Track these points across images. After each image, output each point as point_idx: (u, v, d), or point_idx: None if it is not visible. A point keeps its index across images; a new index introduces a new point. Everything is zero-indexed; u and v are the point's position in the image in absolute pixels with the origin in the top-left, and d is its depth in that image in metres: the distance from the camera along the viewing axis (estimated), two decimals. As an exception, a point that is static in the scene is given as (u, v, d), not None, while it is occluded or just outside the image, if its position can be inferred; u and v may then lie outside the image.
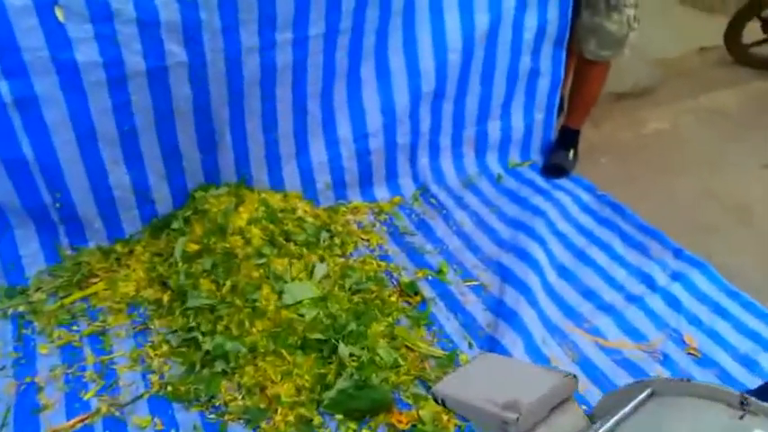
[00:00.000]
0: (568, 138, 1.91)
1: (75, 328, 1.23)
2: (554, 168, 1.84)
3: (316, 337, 1.19)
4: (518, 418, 0.53)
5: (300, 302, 1.24)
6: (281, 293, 1.26)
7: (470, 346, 1.26)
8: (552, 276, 1.46)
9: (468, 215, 1.65)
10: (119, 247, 1.40)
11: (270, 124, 1.49)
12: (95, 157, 1.29)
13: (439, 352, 1.24)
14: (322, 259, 1.38)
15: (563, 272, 1.48)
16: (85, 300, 1.29)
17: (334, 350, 1.18)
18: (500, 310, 1.34)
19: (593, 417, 0.58)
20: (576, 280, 1.46)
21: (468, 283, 1.42)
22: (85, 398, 1.10)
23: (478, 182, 1.79)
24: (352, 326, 1.22)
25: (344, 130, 1.59)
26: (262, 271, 1.30)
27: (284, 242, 1.40)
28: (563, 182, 1.81)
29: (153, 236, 1.43)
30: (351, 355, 1.17)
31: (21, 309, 1.26)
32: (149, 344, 1.21)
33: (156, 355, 1.19)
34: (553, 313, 1.35)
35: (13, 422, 1.04)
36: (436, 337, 1.28)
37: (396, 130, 1.63)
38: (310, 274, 1.33)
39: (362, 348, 1.20)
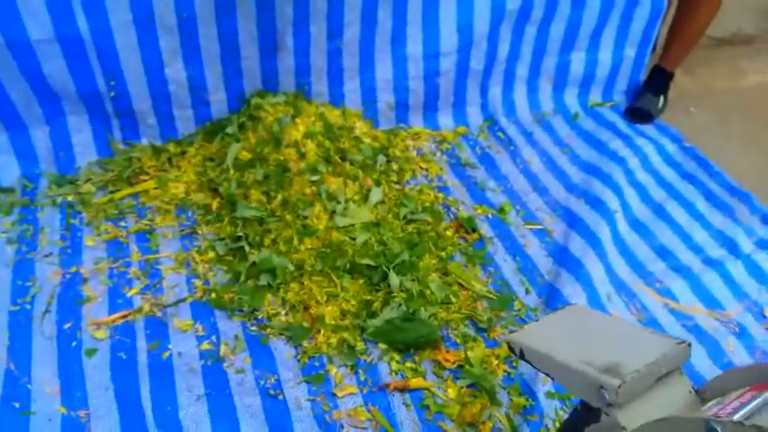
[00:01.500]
0: (660, 80, 1.72)
1: (122, 223, 1.21)
2: (639, 112, 1.67)
3: (365, 263, 1.12)
4: (620, 386, 0.45)
5: (353, 225, 1.18)
6: (333, 213, 1.19)
7: (527, 291, 1.18)
8: (624, 229, 1.33)
9: (537, 153, 1.52)
10: (171, 147, 1.35)
11: (335, 30, 1.37)
12: (153, 44, 1.21)
13: (493, 294, 1.16)
14: (378, 183, 1.29)
15: (637, 226, 1.36)
16: (134, 197, 1.26)
17: (383, 278, 1.11)
18: (563, 258, 1.24)
19: (702, 394, 0.49)
20: (651, 236, 1.34)
21: (531, 226, 1.32)
22: (128, 294, 1.08)
23: (552, 119, 1.64)
24: (405, 256, 1.14)
25: (415, 46, 1.46)
26: (315, 188, 1.23)
27: (340, 161, 1.32)
28: (647, 128, 1.64)
29: (206, 139, 1.37)
30: (400, 285, 1.11)
31: (69, 198, 1.24)
32: (195, 248, 1.17)
33: (201, 260, 1.15)
34: (621, 269, 1.25)
35: (56, 310, 1.03)
36: (491, 278, 1.19)
37: (470, 53, 1.49)
38: (365, 198, 1.26)
39: (413, 280, 1.13)
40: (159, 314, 1.06)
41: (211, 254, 1.17)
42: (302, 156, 1.29)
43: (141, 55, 1.21)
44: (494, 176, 1.44)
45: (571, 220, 1.33)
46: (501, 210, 1.34)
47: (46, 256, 1.12)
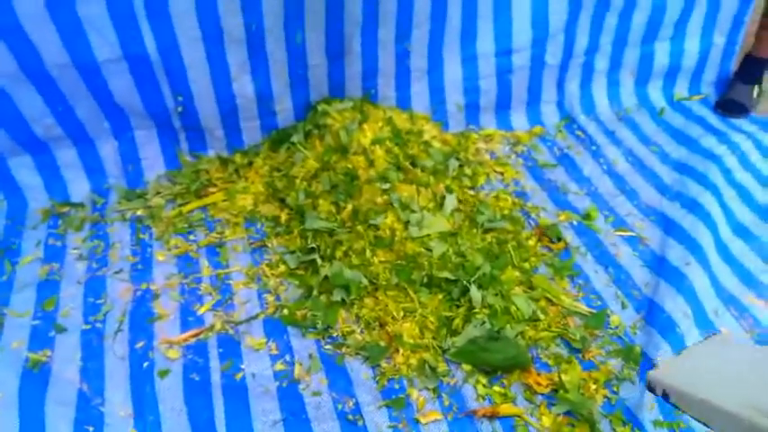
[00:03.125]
0: (753, 69, 1.56)
1: (192, 237, 1.18)
2: (732, 105, 1.52)
3: (444, 276, 1.04)
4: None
5: (428, 236, 1.10)
6: (407, 224, 1.12)
7: (623, 306, 1.07)
8: (727, 235, 1.20)
9: (622, 153, 1.40)
10: (237, 158, 1.32)
11: (403, 32, 1.30)
12: (220, 59, 1.18)
13: (585, 309, 1.06)
14: (450, 190, 1.21)
15: (741, 231, 1.22)
16: (203, 209, 1.23)
17: (464, 292, 1.03)
18: (662, 268, 1.12)
19: None
20: (757, 241, 1.20)
21: (622, 233, 1.21)
22: (200, 311, 1.04)
23: (636, 115, 1.52)
24: (486, 268, 1.06)
25: (486, 43, 1.37)
26: (386, 197, 1.16)
27: (410, 167, 1.25)
28: (742, 122, 1.49)
29: (272, 148, 1.33)
30: (483, 300, 1.02)
31: (139, 212, 1.22)
32: (266, 262, 1.13)
33: (272, 274, 1.11)
34: (728, 279, 1.12)
35: (128, 328, 1.01)
36: (582, 291, 1.09)
37: (546, 47, 1.39)
38: (439, 206, 1.18)
39: (496, 294, 1.04)
40: (231, 332, 1.01)
41: (282, 267, 1.12)
42: (371, 163, 1.23)
43: (210, 70, 1.18)
44: (576, 179, 1.33)
45: (666, 225, 1.21)
46: (587, 215, 1.24)
47: (117, 272, 1.10)
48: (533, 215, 1.24)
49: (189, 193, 1.25)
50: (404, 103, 1.41)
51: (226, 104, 1.27)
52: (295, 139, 1.30)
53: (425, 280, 1.05)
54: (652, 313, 1.05)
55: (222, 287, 1.09)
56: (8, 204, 1.21)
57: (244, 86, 1.26)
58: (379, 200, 1.16)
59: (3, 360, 0.94)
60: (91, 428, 0.87)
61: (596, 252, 1.16)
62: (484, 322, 1.00)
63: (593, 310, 1.05)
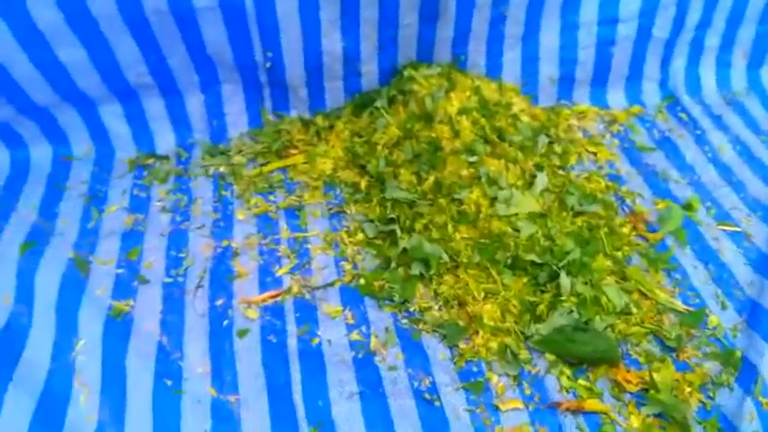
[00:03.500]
0: None
1: (272, 198, 1.17)
2: None
3: (530, 259, 0.99)
4: None
5: (516, 215, 1.05)
6: (493, 200, 1.07)
7: (723, 306, 0.99)
8: None
9: (729, 140, 1.29)
10: (319, 120, 1.29)
11: (503, -6, 1.23)
12: (314, 14, 1.14)
13: (681, 306, 0.98)
14: (541, 168, 1.15)
15: None
16: (283, 171, 1.22)
17: (551, 278, 0.98)
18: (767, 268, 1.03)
19: None
20: None
21: (725, 228, 1.11)
22: (278, 273, 1.04)
23: (746, 99, 1.39)
24: (575, 254, 1.00)
25: (589, 9, 1.27)
26: (472, 170, 1.11)
27: (498, 141, 1.18)
28: None
29: (354, 113, 1.30)
30: (572, 288, 0.97)
31: (221, 169, 1.22)
32: (344, 229, 1.11)
33: (350, 242, 1.09)
34: None
35: (209, 285, 1.02)
36: (678, 287, 1.02)
37: (655, 18, 1.28)
38: (528, 184, 1.12)
39: (585, 283, 0.98)
40: (308, 297, 1.00)
41: (360, 236, 1.10)
42: (456, 134, 1.18)
43: (301, 25, 1.15)
44: (677, 165, 1.24)
45: (777, 222, 1.11)
46: (688, 206, 1.14)
47: (199, 227, 1.11)
48: (628, 201, 1.16)
49: (270, 153, 1.24)
50: (494, 71, 1.34)
51: (312, 61, 1.23)
52: (378, 103, 1.25)
53: (510, 261, 1.00)
54: (755, 316, 0.96)
55: (300, 251, 1.08)
56: (96, 152, 1.24)
57: (332, 44, 1.22)
58: (465, 173, 1.11)
59: (88, 306, 0.96)
60: (170, 382, 0.89)
61: (696, 246, 1.08)
62: (572, 311, 0.94)
63: (691, 308, 0.98)
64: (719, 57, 1.40)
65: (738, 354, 0.91)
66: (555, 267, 0.97)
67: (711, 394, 0.88)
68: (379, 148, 1.20)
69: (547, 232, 1.03)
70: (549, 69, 1.34)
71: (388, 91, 1.27)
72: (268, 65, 1.20)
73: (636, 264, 1.05)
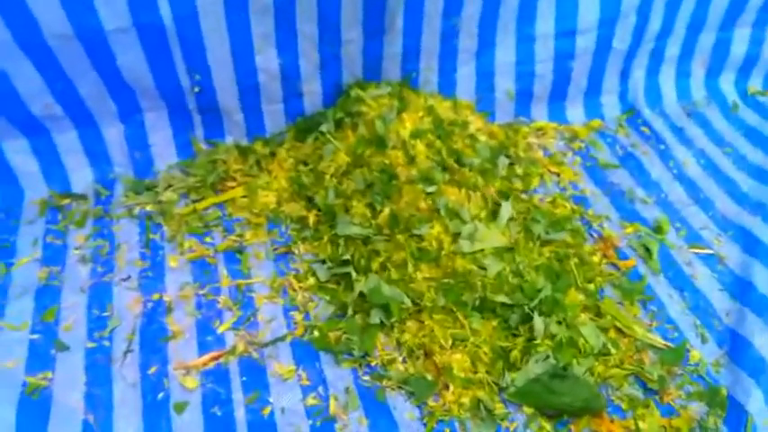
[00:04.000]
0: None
1: (208, 239, 1.03)
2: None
3: (500, 300, 0.91)
4: None
5: (482, 251, 0.96)
6: (456, 236, 0.97)
7: (703, 340, 0.93)
8: (818, 256, 1.06)
9: (693, 155, 1.24)
10: (259, 147, 1.17)
11: (453, 5, 1.13)
12: (243, 28, 1.01)
13: (660, 342, 0.92)
14: (506, 196, 1.06)
15: (833, 251, 1.07)
16: (220, 207, 1.09)
17: (523, 320, 0.90)
18: (746, 294, 0.97)
19: None
20: None
21: (697, 251, 1.06)
22: (219, 330, 0.91)
23: (707, 110, 1.35)
24: (547, 290, 0.92)
25: (546, 22, 1.20)
26: (430, 201, 1.02)
27: (456, 165, 1.09)
28: (826, 122, 1.33)
29: (297, 138, 1.18)
30: (545, 330, 0.89)
31: (148, 208, 1.08)
32: (293, 273, 0.99)
33: (300, 287, 0.97)
34: (824, 310, 0.98)
35: (139, 349, 0.88)
36: (656, 319, 0.95)
37: (615, 28, 1.22)
38: (491, 214, 1.03)
39: (559, 322, 0.90)
40: (256, 356, 0.88)
41: (311, 279, 0.98)
42: (411, 159, 1.08)
43: (230, 42, 1.02)
44: (642, 183, 1.18)
45: (747, 242, 1.06)
46: (658, 228, 1.09)
47: (124, 279, 0.97)
48: (596, 225, 1.09)
49: (204, 187, 1.11)
50: (447, 88, 1.25)
51: (246, 81, 1.11)
52: (324, 128, 1.14)
53: (478, 303, 0.91)
54: (736, 348, 0.91)
55: (244, 301, 0.95)
56: (2, 194, 1.07)
57: (268, 61, 1.09)
58: (423, 205, 1.01)
59: (-3, 383, 0.82)
60: (94, 471, 0.75)
61: (670, 273, 1.02)
62: (548, 356, 0.86)
63: (670, 344, 0.92)
64: (679, 66, 1.36)
65: (723, 392, 0.85)
66: (527, 309, 0.89)
67: (700, 441, 0.82)
68: (328, 177, 1.09)
69: (515, 268, 0.95)
70: (505, 84, 1.26)
71: (335, 113, 1.16)
72: (196, 89, 1.07)
73: (609, 296, 0.98)
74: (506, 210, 1.01)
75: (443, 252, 0.95)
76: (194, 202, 1.09)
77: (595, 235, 1.08)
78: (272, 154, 1.17)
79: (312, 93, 1.18)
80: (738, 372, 0.87)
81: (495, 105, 1.28)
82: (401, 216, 1.01)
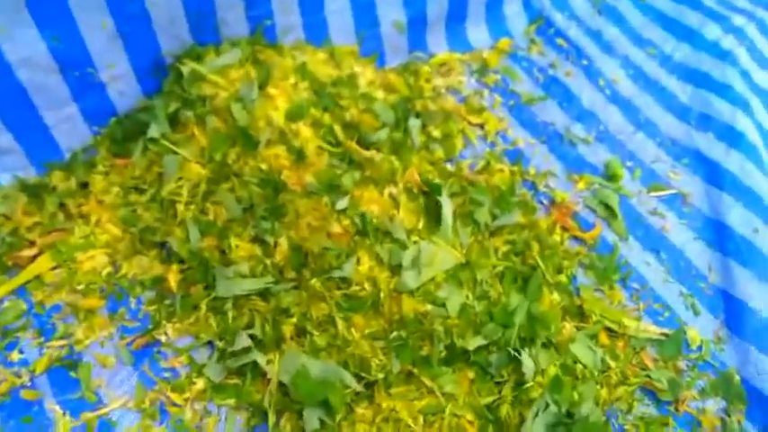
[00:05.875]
0: None
1: (15, 357, 0.66)
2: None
3: (473, 344, 0.67)
4: None
5: (432, 280, 0.69)
6: (396, 268, 0.69)
7: (696, 312, 0.78)
8: (774, 167, 0.94)
9: (620, 65, 1.04)
10: (57, 180, 0.75)
11: None
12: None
13: (656, 331, 0.75)
14: (437, 187, 0.76)
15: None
16: (20, 293, 0.70)
17: (505, 360, 0.67)
18: (723, 240, 0.83)
19: None
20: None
21: (658, 193, 0.89)
22: None
23: (616, 3, 1.13)
24: (522, 308, 0.69)
25: None
26: (346, 219, 0.71)
27: (361, 151, 0.79)
28: (735, -3, 1.19)
29: (117, 152, 0.78)
30: (536, 367, 0.67)
31: None
32: (167, 379, 0.66)
33: (186, 400, 0.65)
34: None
35: None
36: (641, 300, 0.78)
37: None
38: (427, 213, 0.76)
39: (545, 345, 0.70)
40: None
41: (199, 382, 0.66)
42: (299, 155, 0.75)
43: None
44: (576, 116, 0.96)
45: (705, 169, 0.91)
46: (611, 175, 0.89)
47: None
48: (542, 187, 0.87)
49: (-15, 268, 0.70)
50: (316, 33, 0.89)
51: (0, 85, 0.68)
52: (154, 130, 0.75)
53: (444, 355, 0.67)
54: (733, 314, 0.77)
55: (103, 459, 0.62)
56: None
57: (25, 46, 0.67)
58: (335, 227, 0.71)
59: None
60: None
61: (639, 231, 0.84)
62: (548, 405, 0.66)
63: (666, 330, 0.76)
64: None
65: (737, 378, 0.72)
66: (512, 350, 0.66)
67: (728, 446, 0.69)
68: (181, 206, 0.74)
69: (479, 290, 0.70)
70: (391, 14, 0.93)
71: (165, 105, 0.77)
72: None
73: (584, 283, 0.78)
74: (447, 207, 0.74)
75: (382, 294, 0.68)
76: (-25, 297, 0.69)
77: (545, 201, 0.86)
78: (83, 185, 0.77)
79: (118, 78, 0.77)
80: (743, 345, 0.74)
81: (382, 44, 0.95)
82: (307, 248, 0.70)
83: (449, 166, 0.86)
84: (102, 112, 0.78)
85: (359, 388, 0.64)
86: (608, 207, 0.86)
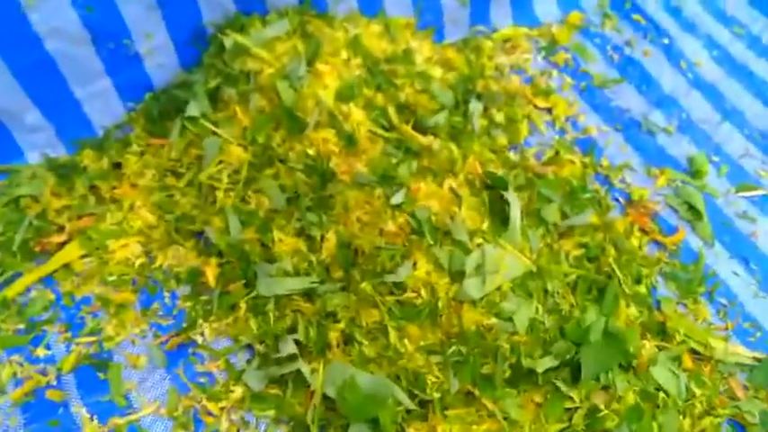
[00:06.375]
0: None
1: (41, 353, 0.61)
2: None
3: (542, 365, 0.59)
4: None
5: (499, 289, 0.62)
6: (458, 275, 0.61)
7: (791, 332, 0.69)
8: None
9: (703, 45, 0.93)
10: (88, 159, 0.69)
11: None
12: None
13: (747, 354, 0.67)
14: (503, 181, 0.68)
15: None
16: (48, 283, 0.65)
17: (576, 380, 0.60)
18: (826, 251, 0.74)
19: None
20: None
21: (747, 193, 0.79)
22: None
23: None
24: (598, 324, 0.61)
25: None
26: (401, 216, 0.64)
27: (420, 139, 0.70)
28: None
29: (152, 131, 0.71)
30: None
31: None
32: (203, 385, 0.61)
33: (222, 409, 0.59)
34: None
35: None
36: (729, 318, 0.69)
37: None
38: (491, 211, 0.67)
39: (622, 366, 0.62)
40: None
41: (237, 390, 0.60)
42: (350, 140, 0.68)
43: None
44: (655, 101, 0.86)
45: (804, 168, 0.80)
46: (696, 171, 0.79)
47: None
48: (617, 183, 0.78)
49: (10, 256, 0.65)
50: (370, 2, 0.81)
51: (27, 56, 0.62)
52: (194, 108, 0.69)
53: (508, 374, 0.59)
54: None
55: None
56: None
57: (56, 13, 0.61)
58: (390, 224, 0.63)
59: None
60: None
61: (726, 237, 0.75)
62: (625, 436, 0.58)
63: (757, 353, 0.67)
64: None
65: None
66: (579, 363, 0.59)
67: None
68: (220, 194, 0.67)
69: (550, 302, 0.63)
70: (454, -18, 0.84)
71: (205, 80, 0.70)
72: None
73: (666, 295, 0.70)
74: (515, 205, 0.66)
75: (440, 303, 0.61)
76: (4, 285, 0.63)
77: (621, 198, 0.77)
78: (116, 166, 0.71)
79: (155, 50, 0.70)
80: None
81: (441, 16, 0.86)
82: (357, 245, 0.63)
83: (512, 155, 0.77)
84: (137, 86, 0.71)
85: (412, 406, 0.57)
86: (692, 208, 0.76)
